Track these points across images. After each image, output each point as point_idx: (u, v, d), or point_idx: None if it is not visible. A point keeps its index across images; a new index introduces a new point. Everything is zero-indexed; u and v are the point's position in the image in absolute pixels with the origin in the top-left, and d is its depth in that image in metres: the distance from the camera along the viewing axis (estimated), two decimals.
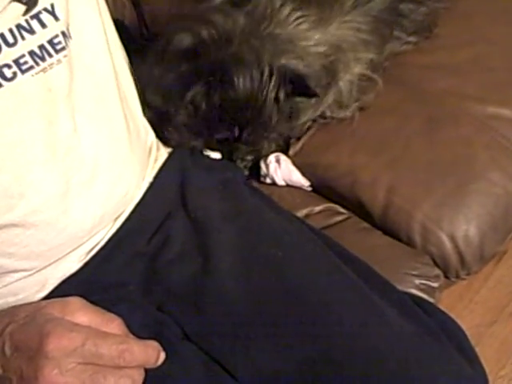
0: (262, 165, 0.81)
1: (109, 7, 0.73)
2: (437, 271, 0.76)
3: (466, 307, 1.21)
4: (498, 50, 0.90)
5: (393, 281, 0.68)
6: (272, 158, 0.81)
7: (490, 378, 0.65)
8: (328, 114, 0.82)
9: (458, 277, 0.78)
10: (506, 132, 0.82)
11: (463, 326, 1.11)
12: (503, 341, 1.18)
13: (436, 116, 0.83)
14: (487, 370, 0.64)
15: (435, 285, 0.74)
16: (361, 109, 0.83)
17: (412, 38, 0.87)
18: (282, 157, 0.82)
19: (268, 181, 0.82)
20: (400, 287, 0.70)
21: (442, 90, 0.85)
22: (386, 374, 0.58)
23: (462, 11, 0.94)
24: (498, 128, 0.82)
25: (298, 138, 0.85)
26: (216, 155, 0.78)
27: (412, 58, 0.90)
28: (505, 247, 1.20)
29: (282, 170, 0.81)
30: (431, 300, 0.72)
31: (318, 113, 0.80)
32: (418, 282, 0.74)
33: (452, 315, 1.19)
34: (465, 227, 0.76)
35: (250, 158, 0.83)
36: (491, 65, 0.88)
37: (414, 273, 0.74)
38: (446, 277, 0.77)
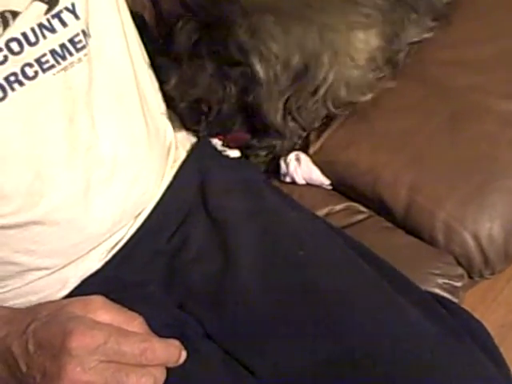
0: (282, 163, 0.81)
1: (128, 7, 0.73)
2: (460, 271, 0.74)
3: (489, 308, 1.19)
4: None
5: (415, 280, 0.67)
6: (292, 156, 0.81)
7: None
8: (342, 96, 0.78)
9: (481, 276, 0.77)
10: None
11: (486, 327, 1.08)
12: None
13: (459, 113, 0.81)
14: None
15: (458, 284, 0.73)
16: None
17: (429, 23, 0.85)
18: (302, 155, 0.81)
19: (288, 179, 0.81)
20: (423, 287, 0.68)
21: (464, 86, 0.84)
22: (409, 375, 0.57)
23: (484, 5, 0.92)
24: None
25: (318, 136, 0.84)
26: (235, 153, 0.78)
27: (434, 54, 0.88)
28: None
29: (301, 168, 0.80)
30: (455, 300, 0.71)
31: (321, 92, 0.76)
32: (441, 281, 0.73)
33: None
34: (488, 226, 0.75)
35: (263, 153, 0.82)
36: None
37: (437, 272, 0.73)
38: (470, 276, 0.76)
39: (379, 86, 0.81)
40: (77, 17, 0.59)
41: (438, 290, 0.72)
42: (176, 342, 0.51)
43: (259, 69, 0.71)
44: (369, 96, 0.81)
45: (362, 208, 0.80)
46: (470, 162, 0.77)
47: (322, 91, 0.75)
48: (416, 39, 0.85)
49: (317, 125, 0.85)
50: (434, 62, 0.87)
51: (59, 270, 0.60)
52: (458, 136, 0.79)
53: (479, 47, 0.87)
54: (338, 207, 0.80)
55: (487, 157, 0.78)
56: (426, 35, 0.85)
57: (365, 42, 0.78)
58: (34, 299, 0.59)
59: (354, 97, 0.80)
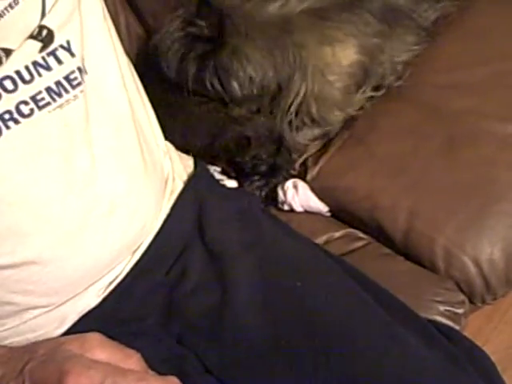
0: (280, 191, 0.81)
1: (123, 40, 0.74)
2: (461, 297, 0.74)
3: (495, 328, 1.18)
4: None
5: (416, 308, 0.67)
6: (289, 184, 0.81)
7: None
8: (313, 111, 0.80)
9: (483, 302, 0.76)
10: None
11: (492, 349, 1.07)
12: None
13: (455, 136, 0.82)
14: None
15: (460, 311, 0.73)
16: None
17: (415, 39, 0.86)
18: (300, 183, 0.81)
19: (286, 207, 0.81)
20: (424, 314, 0.68)
21: (460, 109, 0.84)
22: None
23: (477, 27, 0.93)
24: None
25: (315, 162, 0.84)
26: (232, 184, 0.78)
27: (429, 77, 0.89)
28: None
29: (299, 196, 0.80)
30: (456, 327, 0.71)
31: (293, 109, 0.78)
32: (442, 308, 0.72)
33: (480, 337, 1.17)
34: (489, 250, 0.74)
35: (256, 178, 0.81)
36: (510, 82, 0.87)
37: (437, 299, 0.73)
38: (472, 302, 0.76)
39: (365, 105, 0.82)
40: (72, 54, 0.59)
41: (439, 318, 0.71)
42: (174, 379, 0.50)
43: (237, 90, 0.73)
44: (348, 112, 0.81)
45: (361, 234, 0.80)
46: (467, 186, 0.78)
47: (293, 108, 0.77)
48: (403, 57, 0.85)
49: (313, 150, 0.85)
50: (429, 85, 0.88)
51: (57, 307, 0.60)
52: (455, 160, 0.80)
53: (473, 70, 0.88)
54: (338, 234, 0.80)
55: (485, 180, 0.78)
56: (413, 52, 0.86)
57: (336, 56, 0.78)
58: (31, 337, 0.59)
59: (326, 113, 0.80)
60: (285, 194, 0.80)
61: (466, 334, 0.69)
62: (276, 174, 0.79)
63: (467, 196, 0.77)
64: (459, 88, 0.87)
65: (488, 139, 0.81)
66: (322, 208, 0.81)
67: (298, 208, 0.81)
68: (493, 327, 1.17)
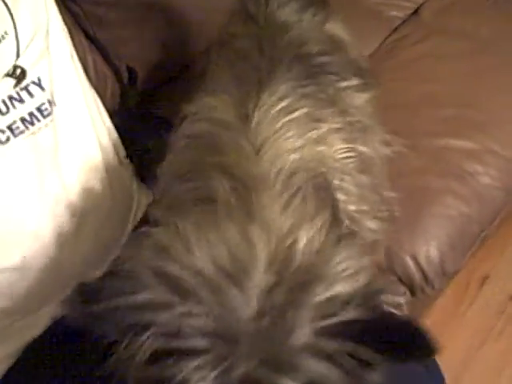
0: None
1: (91, 78, 0.83)
2: (403, 289, 0.81)
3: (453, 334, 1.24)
4: (445, 88, 0.98)
5: None
6: None
7: None
8: None
9: (423, 292, 0.83)
10: (457, 161, 0.89)
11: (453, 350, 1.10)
12: (493, 363, 1.19)
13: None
14: None
15: (402, 300, 0.80)
16: None
17: None
18: None
19: None
20: None
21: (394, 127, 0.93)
22: None
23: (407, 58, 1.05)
24: (450, 158, 0.90)
25: None
26: None
27: None
28: (484, 271, 1.25)
29: None
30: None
31: None
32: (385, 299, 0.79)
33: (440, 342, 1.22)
34: (425, 248, 0.82)
35: None
36: (440, 101, 0.96)
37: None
38: (413, 294, 0.83)
39: None
40: (42, 89, 0.68)
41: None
42: None
43: None
44: None
45: None
46: (404, 193, 0.85)
47: None
48: None
49: None
50: None
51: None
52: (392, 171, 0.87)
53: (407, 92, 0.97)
54: None
55: (418, 187, 0.86)
56: None
57: None
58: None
59: None
60: None
61: None
62: None
63: (404, 202, 0.85)
64: (393, 108, 0.96)
65: (421, 152, 0.90)
66: None
67: None
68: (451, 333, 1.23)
